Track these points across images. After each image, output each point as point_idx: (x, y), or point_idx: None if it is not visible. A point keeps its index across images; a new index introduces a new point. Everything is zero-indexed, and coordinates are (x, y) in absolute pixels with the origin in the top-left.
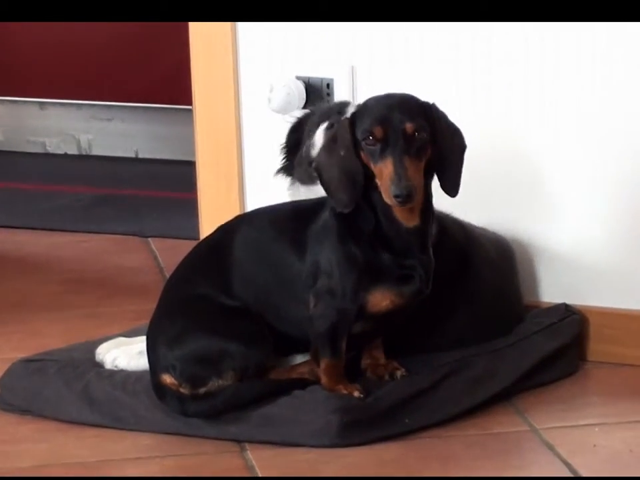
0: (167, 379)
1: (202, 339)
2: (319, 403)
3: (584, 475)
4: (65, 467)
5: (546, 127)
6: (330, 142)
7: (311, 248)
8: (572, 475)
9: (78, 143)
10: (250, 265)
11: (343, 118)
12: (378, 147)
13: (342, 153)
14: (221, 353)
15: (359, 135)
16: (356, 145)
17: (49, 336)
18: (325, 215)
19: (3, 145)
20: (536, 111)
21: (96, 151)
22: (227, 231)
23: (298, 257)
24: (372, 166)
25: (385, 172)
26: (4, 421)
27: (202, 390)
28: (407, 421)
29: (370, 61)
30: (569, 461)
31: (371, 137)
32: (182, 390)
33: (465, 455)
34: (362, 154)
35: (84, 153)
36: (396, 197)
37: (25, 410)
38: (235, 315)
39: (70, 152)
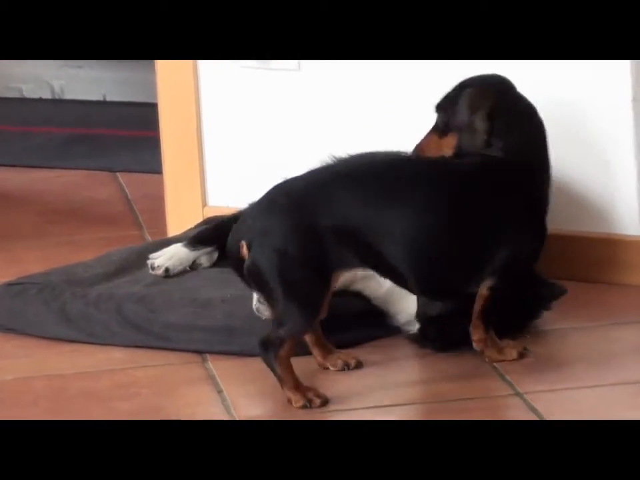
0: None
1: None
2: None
3: (509, 379)
4: (45, 379)
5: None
6: None
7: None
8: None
9: (52, 88)
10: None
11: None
12: None
13: None
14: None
15: None
16: None
17: (29, 262)
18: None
19: None
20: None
21: (68, 96)
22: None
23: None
24: None
25: None
26: None
27: None
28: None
29: None
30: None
31: None
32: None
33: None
34: None
35: (57, 98)
36: None
37: (8, 329)
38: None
39: (44, 97)
